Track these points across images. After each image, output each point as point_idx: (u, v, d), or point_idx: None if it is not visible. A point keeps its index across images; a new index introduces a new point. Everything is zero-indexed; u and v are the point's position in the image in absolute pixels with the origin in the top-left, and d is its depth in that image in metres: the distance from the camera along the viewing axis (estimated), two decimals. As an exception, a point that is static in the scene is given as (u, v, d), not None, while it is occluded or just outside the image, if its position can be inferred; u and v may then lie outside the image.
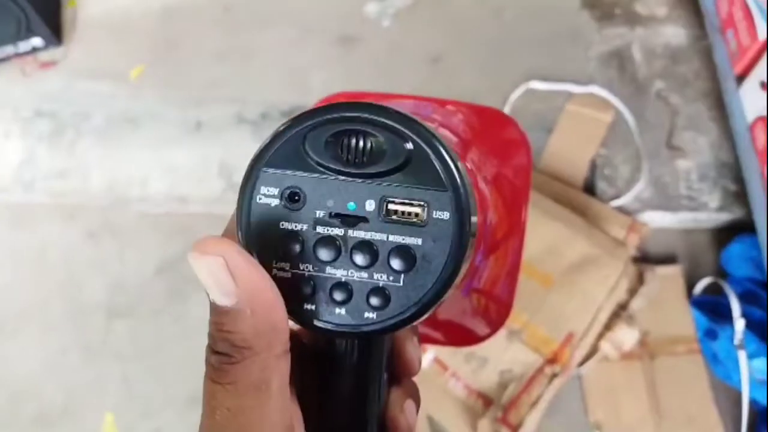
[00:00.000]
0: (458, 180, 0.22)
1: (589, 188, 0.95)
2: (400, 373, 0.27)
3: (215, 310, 0.21)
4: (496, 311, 0.35)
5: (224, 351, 0.21)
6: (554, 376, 0.79)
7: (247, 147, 1.03)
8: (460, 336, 0.36)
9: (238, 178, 0.98)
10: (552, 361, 0.79)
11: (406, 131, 0.22)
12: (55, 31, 1.10)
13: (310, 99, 1.06)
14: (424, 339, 0.35)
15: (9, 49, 1.09)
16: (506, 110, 1.01)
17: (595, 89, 1.00)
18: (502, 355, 0.81)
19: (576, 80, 1.02)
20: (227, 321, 0.21)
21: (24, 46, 1.09)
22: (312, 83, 1.07)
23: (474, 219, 0.23)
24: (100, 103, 1.08)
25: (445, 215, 0.22)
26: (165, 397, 0.92)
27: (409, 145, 0.22)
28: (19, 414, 0.92)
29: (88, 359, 0.94)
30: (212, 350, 0.21)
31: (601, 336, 0.83)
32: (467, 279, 0.31)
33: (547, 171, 0.96)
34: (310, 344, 0.26)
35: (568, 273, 0.82)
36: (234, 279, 0.20)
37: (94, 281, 0.98)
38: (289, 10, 1.13)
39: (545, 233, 0.84)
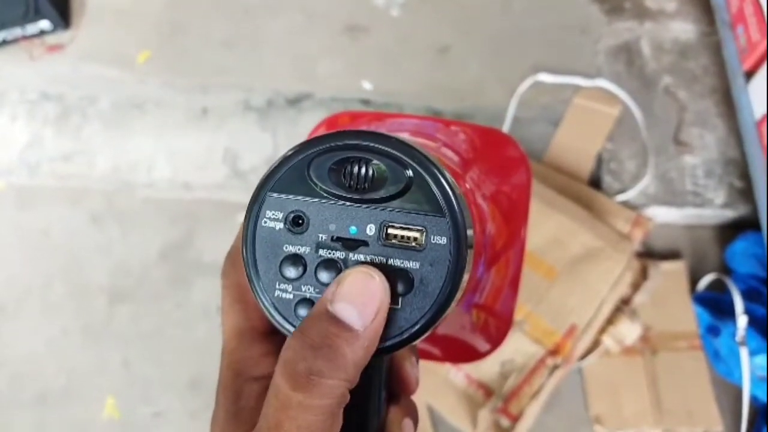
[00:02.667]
0: (456, 206, 0.23)
1: (595, 182, 0.95)
2: (398, 391, 0.27)
3: (336, 321, 0.21)
4: (495, 326, 0.36)
5: (322, 363, 0.20)
6: (556, 367, 0.79)
7: (253, 134, 1.03)
8: (460, 353, 0.37)
9: (243, 165, 0.98)
10: (554, 352, 0.79)
11: (407, 159, 0.23)
12: (62, 14, 1.10)
13: (316, 87, 1.06)
14: (424, 355, 0.35)
15: (17, 32, 1.09)
16: (513, 102, 1.00)
17: (602, 83, 1.00)
18: (503, 346, 0.81)
19: (584, 74, 1.01)
20: (343, 336, 0.21)
21: (32, 28, 1.09)
22: (319, 71, 1.07)
23: (470, 236, 0.23)
24: (107, 88, 1.08)
25: (443, 240, 0.23)
26: (165, 381, 0.92)
27: (409, 172, 0.23)
28: (20, 395, 0.92)
29: (90, 342, 0.95)
30: (304, 358, 0.21)
31: (603, 330, 0.83)
32: (469, 294, 0.31)
33: (553, 164, 0.95)
34: None
35: (571, 265, 0.82)
36: (376, 314, 0.22)
37: (97, 265, 0.99)
38: (298, -2, 1.12)
39: (549, 225, 0.84)
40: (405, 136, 0.27)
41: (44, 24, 1.09)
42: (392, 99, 1.04)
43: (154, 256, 0.98)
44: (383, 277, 0.22)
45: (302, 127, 1.03)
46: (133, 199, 1.02)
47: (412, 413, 0.27)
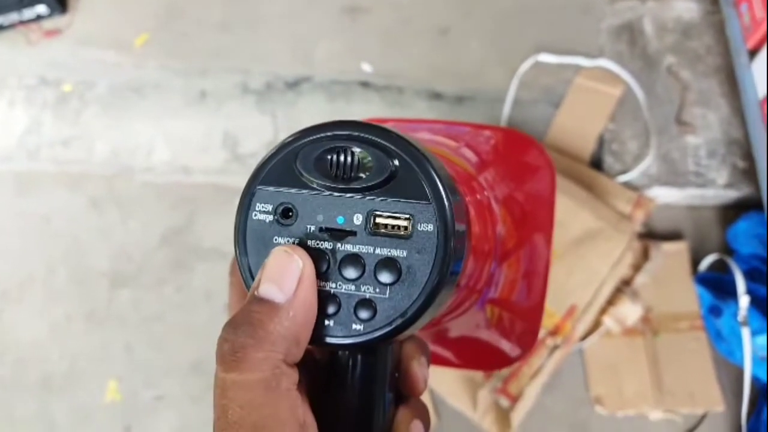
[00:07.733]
0: (442, 193, 0.23)
1: (596, 163, 0.94)
2: (406, 392, 0.27)
3: (257, 299, 0.22)
4: (509, 321, 0.35)
5: (244, 338, 0.21)
6: (555, 348, 0.79)
7: (252, 117, 1.02)
8: (483, 358, 0.36)
9: (242, 148, 0.97)
10: (554, 333, 0.79)
11: (392, 147, 0.23)
12: (59, -2, 1.10)
13: (315, 69, 1.05)
14: (443, 362, 0.35)
15: (13, 17, 1.09)
16: (514, 83, 0.99)
17: (604, 63, 0.99)
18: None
19: (586, 53, 1.00)
20: (265, 311, 0.22)
21: (28, 13, 1.09)
22: (317, 53, 1.06)
23: (459, 226, 0.23)
24: (105, 72, 1.08)
25: (429, 227, 0.23)
26: (167, 365, 0.92)
27: (396, 161, 0.23)
28: (23, 379, 0.93)
29: (92, 326, 0.95)
30: (226, 339, 0.21)
31: (604, 311, 0.83)
32: (484, 289, 0.31)
33: (554, 145, 0.95)
34: (319, 358, 0.26)
35: (572, 246, 0.82)
36: (297, 284, 0.22)
37: (98, 249, 0.99)
38: (296, -21, 1.11)
39: (550, 206, 0.83)
40: (424, 135, 0.27)
41: (41, 8, 1.08)
42: (392, 81, 1.03)
43: (155, 240, 0.98)
44: (303, 252, 0.23)
45: (301, 109, 1.02)
46: (132, 183, 1.02)
47: (422, 415, 0.27)
